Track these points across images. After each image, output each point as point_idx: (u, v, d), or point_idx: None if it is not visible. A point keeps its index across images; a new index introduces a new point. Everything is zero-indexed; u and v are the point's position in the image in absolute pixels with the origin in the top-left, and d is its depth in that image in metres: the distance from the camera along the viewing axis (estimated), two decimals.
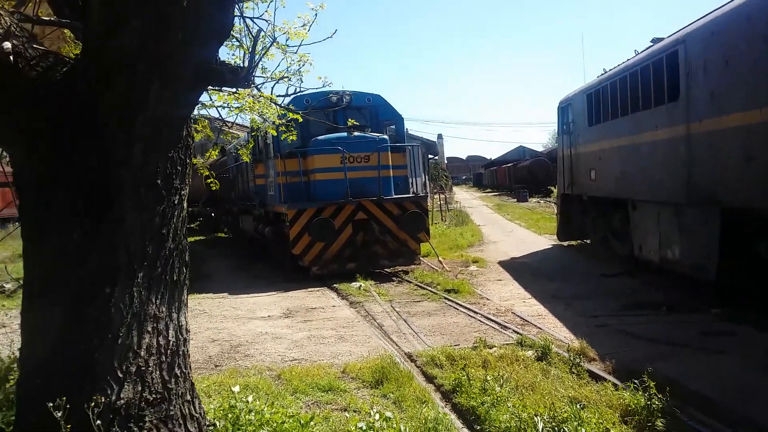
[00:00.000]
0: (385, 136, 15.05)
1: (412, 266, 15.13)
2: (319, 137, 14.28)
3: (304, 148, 14.49)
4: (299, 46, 4.37)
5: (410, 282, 13.42)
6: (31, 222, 3.61)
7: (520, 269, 14.73)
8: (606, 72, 14.76)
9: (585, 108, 15.65)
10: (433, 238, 16.16)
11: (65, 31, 5.44)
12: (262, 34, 4.08)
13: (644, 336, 8.43)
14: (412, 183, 15.91)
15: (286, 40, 4.25)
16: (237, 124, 7.37)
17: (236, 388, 4.62)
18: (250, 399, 4.33)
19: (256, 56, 3.76)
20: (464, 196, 57.90)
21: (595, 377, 6.73)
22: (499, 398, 5.83)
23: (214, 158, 6.76)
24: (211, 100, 4.78)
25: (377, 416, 4.18)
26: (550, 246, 18.98)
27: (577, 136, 16.51)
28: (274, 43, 4.12)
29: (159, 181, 3.64)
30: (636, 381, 5.84)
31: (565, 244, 18.49)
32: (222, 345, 8.89)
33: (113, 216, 3.49)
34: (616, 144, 13.43)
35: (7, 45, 3.28)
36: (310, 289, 13.20)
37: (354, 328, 9.68)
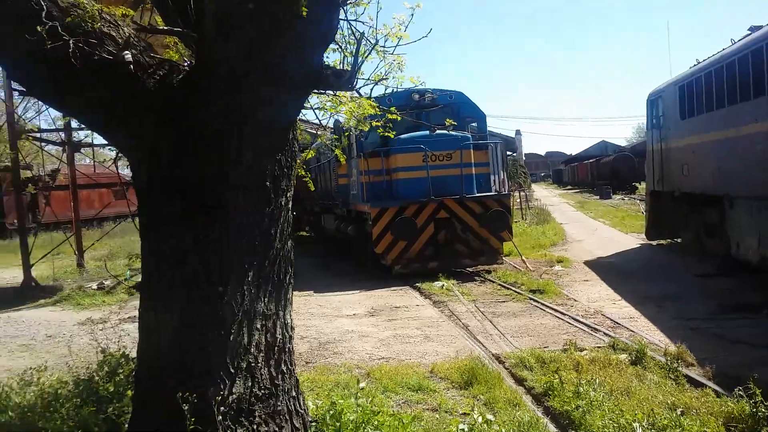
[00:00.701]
0: (468, 134, 14.97)
1: (495, 265, 14.95)
2: (402, 136, 14.31)
3: (387, 147, 14.58)
4: (395, 46, 4.42)
5: (493, 282, 13.28)
6: (149, 223, 3.82)
7: (608, 269, 14.32)
8: (699, 63, 14.15)
9: (677, 100, 15.06)
10: (514, 237, 15.94)
11: (167, 39, 5.70)
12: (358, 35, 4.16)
13: (744, 340, 8.05)
14: (493, 181, 15.74)
15: (385, 42, 4.30)
16: (323, 126, 7.53)
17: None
18: (362, 400, 4.41)
19: (359, 59, 3.82)
20: (544, 194, 56.77)
21: (695, 383, 6.48)
22: (593, 403, 5.70)
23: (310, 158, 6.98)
24: (308, 102, 4.88)
25: (480, 418, 4.16)
26: (638, 245, 18.36)
27: (668, 130, 15.90)
28: (376, 47, 4.18)
29: (267, 183, 3.77)
30: (740, 387, 5.57)
31: (654, 243, 17.84)
32: (311, 342, 9.09)
33: (225, 217, 3.65)
34: (712, 138, 12.86)
35: (128, 54, 3.48)
36: (393, 288, 13.28)
37: (439, 327, 9.68)
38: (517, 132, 46.60)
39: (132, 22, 3.82)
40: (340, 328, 9.92)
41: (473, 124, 15.96)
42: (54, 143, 16.85)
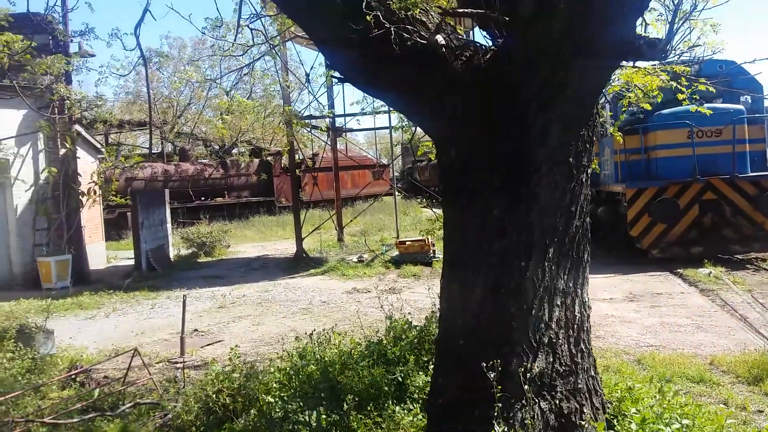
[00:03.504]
0: (741, 107, 13.46)
1: None
2: (663, 111, 13.33)
3: (644, 123, 13.71)
4: (701, 10, 4.09)
5: None
6: (454, 198, 4.01)
7: None
8: None
9: None
10: None
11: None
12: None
13: None
14: None
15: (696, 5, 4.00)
16: None
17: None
18: (673, 388, 4.22)
19: (675, 25, 3.59)
20: None
21: None
22: None
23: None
24: None
25: None
26: None
27: None
28: (694, 12, 3.91)
29: (570, 160, 3.74)
30: None
31: None
32: None
33: (529, 193, 3.70)
34: None
35: (440, 38, 3.66)
36: (650, 273, 12.51)
37: (711, 317, 8.94)
38: None
39: (437, 6, 4.00)
40: (598, 312, 9.56)
41: (745, 98, 14.30)
42: (320, 129, 18.49)
